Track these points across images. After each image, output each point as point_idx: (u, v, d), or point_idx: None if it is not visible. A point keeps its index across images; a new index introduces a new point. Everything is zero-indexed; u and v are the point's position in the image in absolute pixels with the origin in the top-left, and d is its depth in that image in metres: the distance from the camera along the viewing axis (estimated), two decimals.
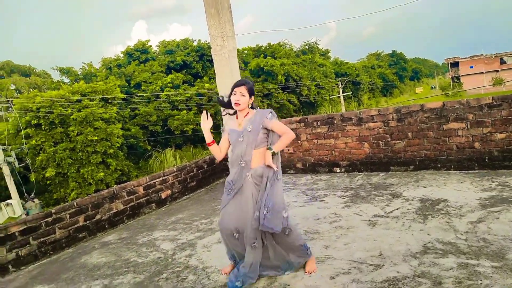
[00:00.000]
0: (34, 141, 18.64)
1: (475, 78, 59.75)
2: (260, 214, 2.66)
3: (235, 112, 2.89)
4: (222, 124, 2.87)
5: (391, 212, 3.84)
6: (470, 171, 4.86)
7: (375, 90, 55.74)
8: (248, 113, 2.84)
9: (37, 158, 18.59)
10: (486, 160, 4.81)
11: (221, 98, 2.98)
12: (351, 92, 43.43)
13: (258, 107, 2.91)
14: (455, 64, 67.21)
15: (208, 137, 2.83)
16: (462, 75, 63.87)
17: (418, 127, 5.19)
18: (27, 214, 14.49)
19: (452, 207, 3.73)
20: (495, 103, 4.70)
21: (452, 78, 67.67)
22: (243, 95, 2.77)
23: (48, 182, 19.24)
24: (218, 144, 2.90)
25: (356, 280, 2.63)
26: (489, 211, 3.50)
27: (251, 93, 2.81)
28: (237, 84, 2.81)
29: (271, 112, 2.81)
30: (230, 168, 2.91)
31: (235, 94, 2.78)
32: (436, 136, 5.09)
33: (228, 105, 2.87)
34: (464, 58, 65.51)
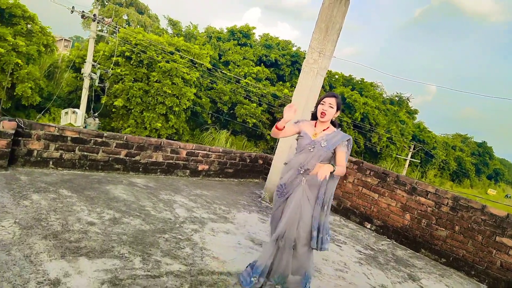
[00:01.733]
0: (119, 70, 20.13)
1: None
2: (319, 235, 2.70)
3: (315, 119, 2.86)
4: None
5: None
6: None
7: (445, 171, 52.34)
8: (328, 127, 2.83)
9: (115, 86, 20.07)
10: None
11: (314, 111, 2.90)
12: (420, 161, 41.23)
13: (340, 127, 2.92)
14: None
15: (282, 123, 2.67)
16: None
17: (469, 226, 4.82)
18: (85, 127, 15.77)
19: None
20: None
21: None
22: (331, 107, 2.77)
23: (113, 110, 20.70)
24: (279, 124, 2.73)
25: None
26: None
27: (338, 107, 2.80)
28: (327, 95, 2.82)
29: (348, 140, 2.78)
30: (284, 170, 2.88)
31: (323, 104, 2.78)
32: (484, 243, 4.69)
33: (313, 116, 2.89)
34: None
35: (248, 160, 6.39)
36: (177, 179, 5.24)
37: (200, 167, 5.64)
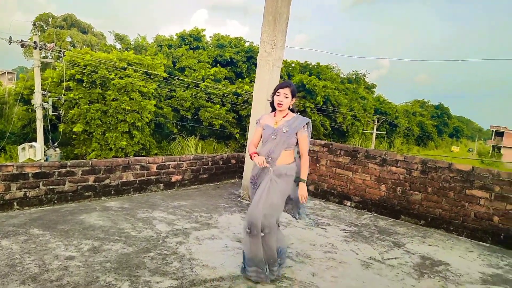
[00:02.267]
0: (72, 95, 19.36)
1: None
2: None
3: (274, 109, 3.02)
4: (248, 129, 3.04)
5: (388, 259, 3.75)
6: (481, 243, 4.67)
7: (410, 137, 54.43)
8: (287, 114, 2.99)
9: (70, 111, 19.30)
10: (502, 236, 4.61)
11: (271, 101, 3.07)
12: (386, 132, 42.65)
13: (298, 112, 3.06)
14: (500, 134, 64.77)
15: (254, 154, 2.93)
16: (504, 146, 61.40)
17: (440, 185, 5.04)
18: (46, 160, 15.08)
19: (452, 272, 3.61)
20: None
21: (493, 146, 65.19)
22: (286, 97, 2.92)
23: (73, 136, 19.92)
24: (251, 139, 3.10)
25: None
26: (488, 287, 3.36)
27: (293, 94, 2.95)
28: (281, 86, 2.96)
29: (308, 123, 2.97)
30: (254, 162, 3.00)
31: (278, 95, 2.93)
32: (456, 198, 4.93)
33: (270, 105, 3.04)
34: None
35: (221, 162, 6.36)
36: (152, 195, 5.13)
37: (174, 178, 5.55)
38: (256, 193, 2.88)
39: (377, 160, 5.55)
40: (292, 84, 3.01)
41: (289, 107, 3.00)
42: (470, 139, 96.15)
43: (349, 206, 5.77)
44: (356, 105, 34.99)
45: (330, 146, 6.03)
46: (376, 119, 37.14)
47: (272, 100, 2.99)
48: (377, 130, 37.32)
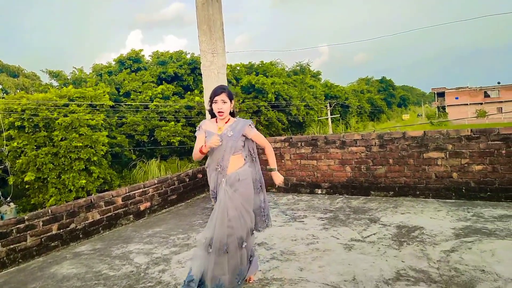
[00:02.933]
0: (15, 143, 18.21)
1: (460, 109, 61.45)
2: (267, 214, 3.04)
3: (214, 116, 2.92)
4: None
5: (368, 236, 3.87)
6: (447, 200, 4.95)
7: (363, 114, 56.64)
8: (228, 119, 2.91)
9: (17, 161, 18.13)
10: (463, 190, 4.91)
11: (210, 109, 2.97)
12: (340, 115, 44.03)
13: (238, 116, 3.01)
14: (441, 94, 69.08)
15: (207, 149, 2.79)
16: (447, 105, 65.59)
17: (400, 154, 5.28)
18: (1, 218, 14.05)
19: (427, 235, 3.78)
20: (473, 135, 4.84)
21: (438, 107, 69.43)
22: (225, 102, 2.81)
23: (26, 187, 18.72)
24: (196, 146, 2.88)
25: None
26: (462, 241, 3.56)
27: (230, 98, 2.85)
28: (216, 93, 2.82)
29: (251, 124, 2.93)
30: (208, 173, 2.95)
31: (216, 102, 2.81)
32: (416, 164, 5.19)
33: (211, 113, 2.93)
34: (450, 89, 67.47)
35: (188, 179, 6.25)
36: (123, 228, 4.94)
37: (142, 207, 5.38)
38: (216, 210, 2.73)
39: (337, 144, 5.71)
40: (226, 87, 2.91)
41: (230, 111, 2.89)
42: (417, 105, 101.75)
43: (320, 193, 5.88)
44: (307, 95, 35.84)
45: (290, 140, 6.13)
46: (328, 104, 38.26)
47: (211, 109, 2.88)
48: (331, 114, 38.44)
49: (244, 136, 2.89)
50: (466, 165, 4.89)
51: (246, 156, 2.95)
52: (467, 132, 4.87)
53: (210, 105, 2.88)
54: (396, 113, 77.60)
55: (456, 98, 64.82)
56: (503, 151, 4.68)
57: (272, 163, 2.99)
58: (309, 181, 5.98)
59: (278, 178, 2.98)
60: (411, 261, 3.21)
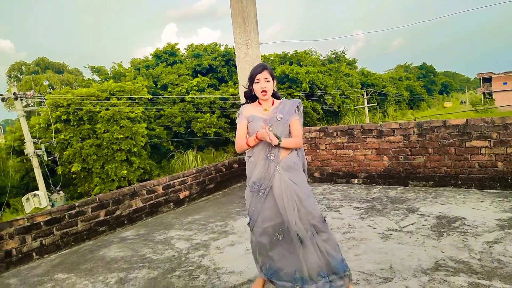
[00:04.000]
0: (62, 136, 19.35)
1: (509, 95, 57.65)
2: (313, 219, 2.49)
3: (254, 99, 2.61)
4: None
5: (406, 226, 3.82)
6: (491, 191, 4.76)
7: (402, 102, 54.69)
8: (273, 101, 2.59)
9: (65, 153, 19.28)
10: (509, 180, 4.70)
11: (246, 90, 2.66)
12: (377, 103, 42.81)
13: (284, 97, 2.77)
14: (488, 80, 65.12)
15: (252, 142, 2.49)
16: (494, 91, 61.77)
17: (440, 143, 5.12)
18: (52, 205, 15.08)
19: (469, 225, 3.68)
20: None
21: (484, 93, 65.56)
22: (268, 81, 2.50)
23: (73, 176, 19.92)
24: (238, 135, 2.58)
25: None
26: (507, 232, 3.43)
27: (273, 76, 2.54)
28: (258, 71, 2.50)
29: (299, 103, 2.60)
30: (251, 165, 2.58)
31: (258, 82, 2.49)
32: (457, 153, 5.01)
33: (252, 96, 2.61)
34: (498, 74, 63.41)
35: (224, 169, 6.40)
36: (164, 216, 5.18)
37: (182, 195, 5.59)
38: (278, 203, 2.43)
39: (373, 134, 5.62)
40: (267, 64, 2.56)
41: (272, 92, 2.56)
42: (460, 92, 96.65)
43: (357, 183, 5.83)
44: (342, 83, 35.11)
45: (326, 129, 6.10)
46: (365, 92, 37.29)
47: (250, 91, 2.58)
48: (368, 103, 37.47)
49: None
50: None
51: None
52: None
53: (250, 87, 2.56)
54: (437, 100, 74.24)
55: (505, 83, 60.81)
56: None
57: (286, 143, 2.44)
58: (345, 171, 5.94)
59: (272, 139, 2.34)
60: (451, 251, 3.15)
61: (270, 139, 2.32)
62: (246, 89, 2.63)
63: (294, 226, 2.40)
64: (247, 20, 5.19)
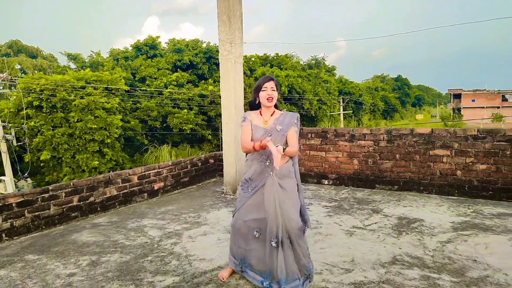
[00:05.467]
0: (33, 123, 18.78)
1: (476, 112, 60.46)
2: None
3: (256, 108, 2.82)
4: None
5: (369, 225, 4.07)
6: (449, 197, 5.10)
7: (376, 112, 56.26)
8: (274, 111, 2.79)
9: (34, 140, 18.73)
10: (466, 188, 5.06)
11: (251, 99, 2.87)
12: (352, 111, 43.87)
13: (285, 109, 3.03)
14: (458, 96, 67.99)
15: (258, 146, 2.59)
16: (463, 107, 64.59)
17: (406, 150, 5.44)
18: None
19: (426, 226, 3.96)
20: (480, 135, 4.96)
21: (453, 109, 68.39)
22: (274, 90, 2.73)
23: (41, 164, 19.35)
24: (243, 138, 2.75)
25: (326, 280, 2.85)
26: (459, 233, 3.73)
27: (277, 88, 2.79)
28: (265, 80, 2.75)
29: (298, 118, 2.79)
30: (247, 165, 2.82)
31: (265, 90, 2.71)
32: (422, 160, 5.34)
33: (256, 105, 2.81)
34: (467, 91, 66.34)
35: (200, 164, 6.50)
36: (137, 205, 5.23)
37: (156, 186, 5.65)
38: (265, 200, 2.63)
39: (346, 137, 5.88)
40: (273, 77, 2.83)
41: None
42: (431, 105, 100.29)
43: (327, 184, 6.08)
44: (320, 89, 35.78)
45: (301, 131, 6.31)
46: (341, 100, 38.15)
47: (254, 100, 2.79)
48: (344, 110, 38.34)
49: None
50: (470, 163, 5.02)
51: None
52: (474, 132, 4.99)
53: (256, 95, 2.77)
54: (410, 112, 76.79)
55: (473, 100, 63.77)
56: (508, 152, 4.80)
57: (286, 151, 2.58)
58: (317, 172, 6.18)
59: (279, 155, 2.43)
60: (408, 248, 3.40)
61: (276, 151, 2.42)
62: (251, 99, 2.85)
63: (274, 227, 2.58)
64: (232, 19, 5.32)
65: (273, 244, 2.57)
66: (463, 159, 5.07)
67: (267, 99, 2.71)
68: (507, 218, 4.15)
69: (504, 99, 62.52)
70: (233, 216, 2.91)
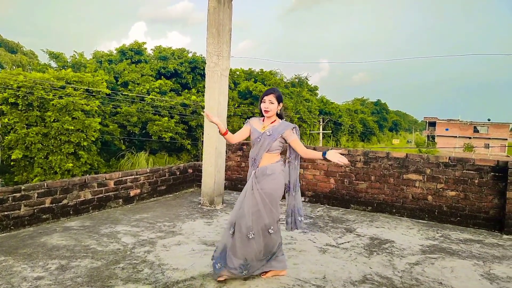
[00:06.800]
0: (6, 120, 18.16)
1: (449, 141, 62.73)
2: (295, 219, 3.34)
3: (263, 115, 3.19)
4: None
5: (342, 243, 4.15)
6: (420, 220, 5.27)
7: (355, 134, 57.44)
8: (274, 120, 3.17)
9: (6, 137, 18.08)
10: (436, 213, 5.24)
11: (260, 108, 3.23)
12: (331, 131, 44.64)
13: (284, 119, 3.26)
14: (433, 124, 70.47)
15: (222, 128, 3.07)
16: (437, 135, 66.91)
17: (382, 172, 5.60)
18: None
19: (396, 248, 4.08)
20: (451, 163, 5.18)
21: (428, 136, 70.73)
22: (272, 103, 3.09)
23: (12, 163, 18.65)
24: (237, 133, 3.19)
25: None
26: (427, 256, 3.86)
27: (279, 100, 3.12)
28: (266, 93, 3.13)
29: (295, 128, 3.14)
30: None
31: (264, 102, 3.10)
32: (395, 183, 5.51)
33: (260, 113, 3.21)
34: (442, 120, 68.88)
35: (178, 173, 6.47)
36: (112, 211, 5.14)
37: (132, 193, 5.58)
38: (241, 202, 3.06)
39: None
40: (276, 90, 3.16)
41: (276, 113, 3.15)
42: (407, 131, 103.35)
43: (303, 201, 6.16)
44: (302, 108, 36.33)
45: None
46: (321, 119, 38.81)
47: (260, 108, 3.16)
48: (323, 130, 38.96)
49: (283, 138, 3.08)
50: (441, 189, 5.22)
51: (281, 156, 3.20)
52: (445, 159, 5.22)
53: (260, 104, 3.17)
54: (387, 137, 78.82)
55: (447, 129, 66.22)
56: (476, 181, 5.03)
57: (315, 155, 3.06)
58: None
59: (334, 157, 2.93)
60: (378, 268, 3.50)
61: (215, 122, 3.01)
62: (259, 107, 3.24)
63: (249, 223, 2.96)
64: (221, 33, 5.42)
65: (250, 236, 2.97)
66: (434, 185, 5.27)
67: (264, 110, 3.11)
68: (472, 244, 4.32)
69: (476, 130, 65.22)
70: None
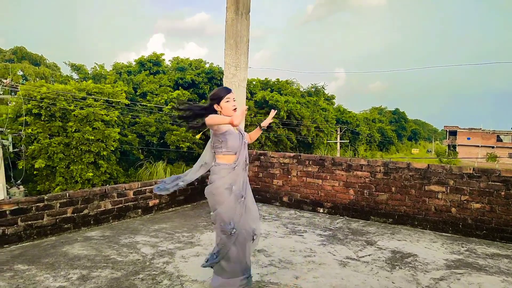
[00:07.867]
0: (30, 130, 18.74)
1: (471, 150, 61.13)
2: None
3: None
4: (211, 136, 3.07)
5: (363, 257, 4.06)
6: (443, 234, 5.11)
7: (373, 143, 56.69)
8: None
9: (30, 147, 18.63)
10: (460, 226, 5.08)
11: (209, 107, 2.96)
12: (349, 141, 44.19)
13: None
14: (453, 133, 68.91)
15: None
16: (458, 145, 65.34)
17: (402, 184, 5.48)
18: (10, 199, 14.38)
19: (420, 262, 3.96)
20: (475, 174, 5.03)
21: (449, 145, 69.13)
22: (235, 100, 2.95)
23: (35, 173, 19.17)
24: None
25: None
26: (452, 271, 3.73)
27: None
28: (227, 91, 2.91)
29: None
30: (232, 172, 2.91)
31: (229, 100, 2.86)
32: (417, 195, 5.38)
33: (211, 113, 2.87)
34: (463, 128, 67.29)
35: (196, 183, 6.49)
36: (131, 221, 5.19)
37: (151, 203, 5.63)
38: (248, 202, 3.10)
39: (343, 167, 5.93)
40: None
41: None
42: (427, 141, 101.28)
43: (322, 212, 6.08)
44: (318, 117, 36.15)
45: (299, 157, 6.37)
46: (339, 128, 38.50)
47: (213, 108, 2.92)
48: (340, 139, 38.61)
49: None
50: (465, 201, 5.06)
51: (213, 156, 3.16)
52: (469, 170, 5.06)
53: (216, 104, 2.88)
54: (406, 146, 77.43)
55: (468, 138, 64.60)
56: (502, 193, 4.85)
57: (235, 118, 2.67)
58: (313, 199, 6.19)
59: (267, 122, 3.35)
60: (400, 283, 3.39)
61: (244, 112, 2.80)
62: (207, 105, 3.09)
63: (243, 225, 2.96)
64: (239, 44, 5.47)
65: (249, 239, 3.08)
66: (458, 197, 5.11)
67: (234, 109, 2.85)
68: (500, 259, 4.16)
69: (499, 140, 63.39)
70: (232, 234, 3.09)
